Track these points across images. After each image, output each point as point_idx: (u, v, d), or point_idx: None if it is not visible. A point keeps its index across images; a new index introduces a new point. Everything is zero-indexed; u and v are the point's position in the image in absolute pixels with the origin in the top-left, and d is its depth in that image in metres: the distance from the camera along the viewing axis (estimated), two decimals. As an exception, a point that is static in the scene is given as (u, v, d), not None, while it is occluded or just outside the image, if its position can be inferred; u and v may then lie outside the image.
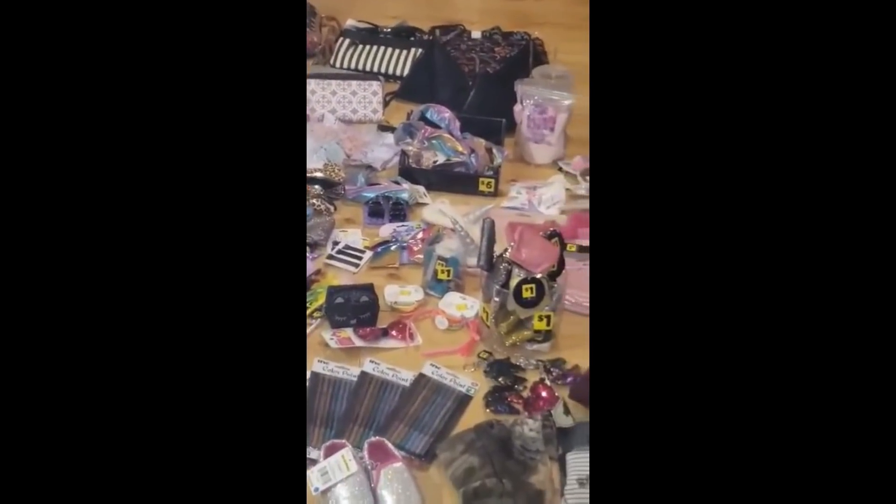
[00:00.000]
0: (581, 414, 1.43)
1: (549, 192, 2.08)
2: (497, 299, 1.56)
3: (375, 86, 2.42)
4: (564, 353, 1.59)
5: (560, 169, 2.23)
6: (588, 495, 1.27)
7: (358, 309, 1.64)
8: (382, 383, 1.53)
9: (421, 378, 1.54)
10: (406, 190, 2.04)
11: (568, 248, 1.72)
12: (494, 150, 2.16)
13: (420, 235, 1.90)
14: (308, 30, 2.70)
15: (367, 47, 2.71)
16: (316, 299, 1.70)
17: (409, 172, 2.13)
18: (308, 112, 2.37)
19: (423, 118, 2.18)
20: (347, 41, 2.73)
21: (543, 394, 1.49)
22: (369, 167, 2.17)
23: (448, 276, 1.74)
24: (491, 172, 2.12)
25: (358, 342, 1.61)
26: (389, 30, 2.77)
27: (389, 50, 2.70)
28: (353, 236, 1.94)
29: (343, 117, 2.40)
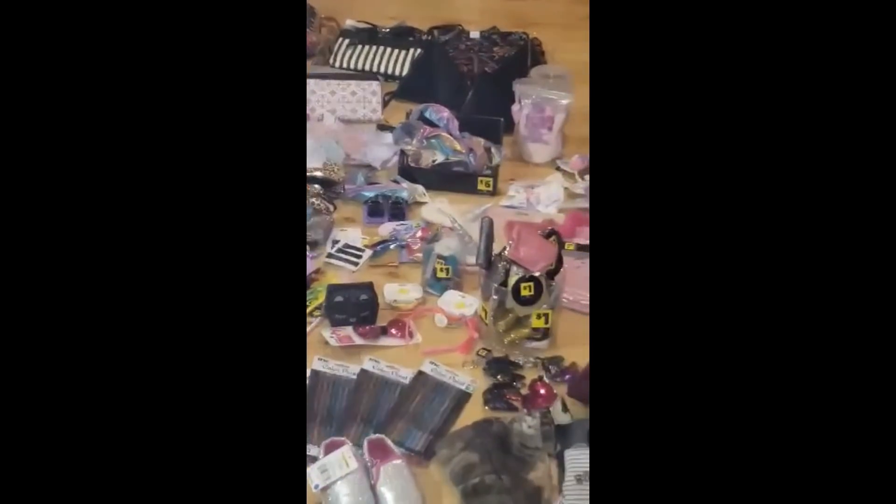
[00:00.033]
0: (579, 411, 1.43)
1: (547, 191, 2.08)
2: (496, 297, 1.57)
3: (374, 86, 2.43)
4: (562, 351, 1.60)
5: (558, 168, 2.23)
6: (586, 492, 1.28)
7: (358, 307, 1.65)
8: (382, 381, 1.53)
9: (420, 376, 1.54)
10: (405, 189, 2.05)
11: (566, 247, 1.72)
12: (493, 150, 2.15)
13: (419, 234, 1.90)
14: (307, 30, 2.71)
15: (366, 47, 2.71)
16: (316, 298, 1.71)
17: (408, 171, 2.13)
18: (308, 112, 2.37)
19: (421, 118, 2.18)
20: (346, 41, 2.73)
21: (542, 391, 1.49)
22: (369, 166, 2.18)
23: (447, 274, 1.75)
24: (489, 171, 2.13)
25: (358, 340, 1.61)
26: (388, 30, 2.77)
27: (388, 50, 2.70)
28: (352, 235, 1.94)
29: (342, 117, 2.40)
